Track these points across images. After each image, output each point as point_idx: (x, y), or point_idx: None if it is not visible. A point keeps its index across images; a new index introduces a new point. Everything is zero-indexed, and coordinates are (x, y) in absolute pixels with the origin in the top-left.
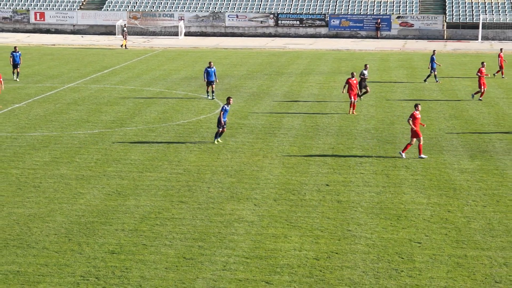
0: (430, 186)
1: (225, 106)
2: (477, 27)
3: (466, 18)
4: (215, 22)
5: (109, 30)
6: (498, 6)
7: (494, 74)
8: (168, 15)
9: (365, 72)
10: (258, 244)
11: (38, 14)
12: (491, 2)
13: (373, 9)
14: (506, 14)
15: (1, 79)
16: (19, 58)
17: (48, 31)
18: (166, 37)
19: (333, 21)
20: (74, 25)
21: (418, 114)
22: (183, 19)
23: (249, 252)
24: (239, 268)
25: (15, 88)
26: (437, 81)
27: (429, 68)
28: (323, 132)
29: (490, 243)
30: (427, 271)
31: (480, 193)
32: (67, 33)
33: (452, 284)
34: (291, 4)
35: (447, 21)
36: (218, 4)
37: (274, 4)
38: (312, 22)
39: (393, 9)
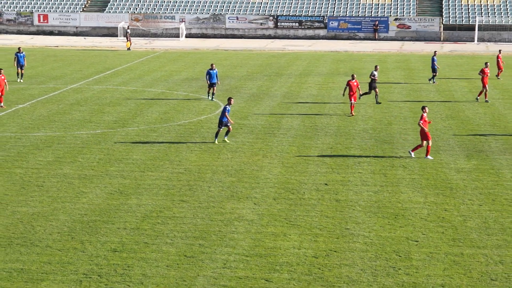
0: (427, 185)
1: (227, 106)
2: (473, 29)
3: (462, 20)
4: (215, 24)
5: (111, 32)
6: (494, 9)
7: (497, 77)
8: (170, 17)
9: (375, 73)
10: (258, 243)
11: (41, 16)
12: (487, 5)
13: (371, 11)
14: (501, 16)
15: (5, 80)
16: (24, 59)
17: (51, 33)
18: (167, 38)
19: (332, 23)
20: (77, 27)
21: (426, 117)
22: (184, 21)
23: (249, 250)
24: (239, 266)
25: (19, 89)
26: (434, 82)
27: (436, 68)
28: (322, 132)
29: (486, 242)
30: (424, 269)
31: (476, 192)
32: (70, 35)
33: (448, 281)
34: (290, 6)
35: (443, 23)
36: (218, 6)
37: (273, 6)
38: (311, 24)
39: (390, 11)
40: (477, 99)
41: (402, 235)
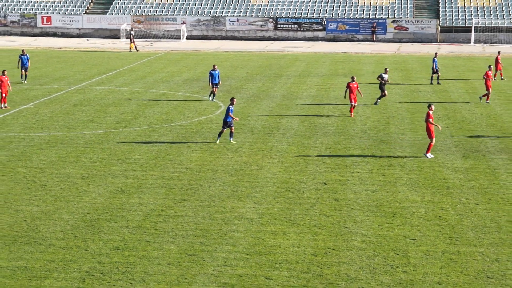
0: (424, 185)
1: (230, 106)
2: (470, 31)
3: (459, 22)
4: (216, 26)
5: (113, 34)
6: (490, 11)
7: (502, 78)
8: (171, 19)
9: (385, 75)
10: (258, 241)
11: (45, 18)
12: (483, 7)
13: (369, 13)
14: (497, 18)
15: (8, 82)
16: (27, 61)
17: (54, 35)
18: (168, 40)
19: (330, 25)
20: (80, 29)
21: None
22: (185, 23)
23: (249, 248)
24: (239, 263)
25: (23, 89)
26: (431, 83)
27: (436, 69)
28: (321, 133)
29: (482, 240)
30: (422, 267)
31: (473, 191)
32: (73, 36)
33: (445, 279)
34: (290, 9)
35: (440, 24)
36: (219, 8)
37: (273, 9)
38: (310, 26)
39: (388, 13)
40: (480, 98)
41: (400, 233)
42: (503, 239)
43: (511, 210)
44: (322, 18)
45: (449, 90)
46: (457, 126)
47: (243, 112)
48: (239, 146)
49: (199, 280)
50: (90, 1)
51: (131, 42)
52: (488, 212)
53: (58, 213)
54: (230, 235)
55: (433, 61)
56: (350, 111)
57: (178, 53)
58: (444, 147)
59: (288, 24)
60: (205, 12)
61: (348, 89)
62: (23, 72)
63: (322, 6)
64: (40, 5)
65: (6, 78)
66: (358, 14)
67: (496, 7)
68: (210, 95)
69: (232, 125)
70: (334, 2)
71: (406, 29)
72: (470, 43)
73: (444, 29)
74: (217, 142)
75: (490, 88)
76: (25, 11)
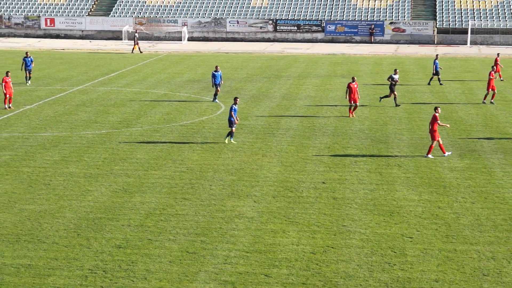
0: (421, 184)
1: (233, 106)
2: (466, 33)
3: (455, 24)
4: (216, 28)
5: (116, 35)
6: (486, 13)
7: (501, 80)
8: (172, 21)
9: (395, 76)
10: (258, 239)
11: (48, 20)
12: (480, 9)
13: (367, 15)
14: (493, 20)
15: (10, 84)
16: (31, 63)
17: (58, 36)
18: (170, 42)
19: (329, 27)
20: (82, 31)
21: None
22: (187, 25)
23: (249, 246)
24: (239, 261)
25: (27, 90)
26: (429, 84)
27: (434, 71)
28: (320, 132)
29: (478, 238)
30: (418, 265)
31: (469, 190)
32: (76, 38)
33: (442, 277)
34: (289, 11)
35: (437, 26)
36: (220, 10)
37: (273, 11)
38: (309, 27)
39: (386, 15)
40: (491, 102)
41: (397, 231)
42: (499, 237)
43: (507, 209)
44: (321, 20)
45: (446, 91)
46: (454, 126)
47: (243, 112)
48: (239, 146)
49: (199, 277)
50: (93, 3)
51: (135, 44)
52: (484, 211)
53: (61, 212)
54: (231, 234)
55: (434, 62)
56: (349, 111)
57: (179, 55)
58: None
59: (288, 26)
60: (206, 14)
61: (348, 89)
62: (27, 74)
63: (321, 8)
64: (44, 7)
65: (10, 79)
66: (356, 16)
67: (492, 9)
68: (215, 96)
69: (233, 126)
70: (332, 4)
71: (404, 30)
72: (466, 44)
73: (441, 31)
74: (226, 142)
75: (492, 88)
76: (29, 13)
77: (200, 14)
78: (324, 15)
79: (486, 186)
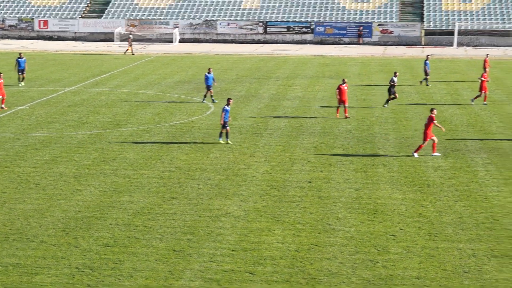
0: (406, 183)
1: (226, 107)
2: (453, 34)
3: (442, 26)
4: (207, 30)
5: (108, 37)
6: (473, 15)
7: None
8: (164, 23)
9: (395, 79)
10: (244, 237)
11: (41, 22)
12: (466, 11)
13: (356, 17)
14: (480, 22)
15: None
16: (24, 64)
17: (51, 38)
18: (161, 43)
19: (318, 29)
20: (75, 32)
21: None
22: (178, 27)
23: (234, 244)
24: (225, 259)
25: (19, 91)
26: (426, 84)
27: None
28: (307, 132)
29: (460, 236)
30: (401, 262)
31: (452, 189)
32: (69, 40)
33: (424, 274)
34: (279, 13)
35: (424, 28)
36: (211, 12)
37: (263, 13)
38: (298, 29)
39: (374, 17)
40: (484, 104)
41: (381, 230)
42: (480, 235)
43: (489, 207)
44: (310, 22)
45: (432, 92)
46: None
47: (232, 113)
48: (227, 145)
49: (185, 275)
50: (86, 5)
51: (129, 46)
52: (466, 209)
53: (50, 211)
54: (217, 232)
55: (425, 63)
56: (337, 112)
57: (170, 56)
58: (425, 146)
59: (278, 28)
60: (197, 16)
61: (338, 91)
62: (20, 75)
63: (311, 10)
64: (37, 10)
65: (1, 81)
66: (345, 18)
67: (479, 11)
68: (211, 97)
69: (227, 126)
70: (322, 6)
71: (391, 32)
72: (453, 46)
73: (428, 33)
74: (228, 142)
75: (484, 90)
76: (23, 15)
77: (192, 16)
78: (314, 17)
79: (469, 185)
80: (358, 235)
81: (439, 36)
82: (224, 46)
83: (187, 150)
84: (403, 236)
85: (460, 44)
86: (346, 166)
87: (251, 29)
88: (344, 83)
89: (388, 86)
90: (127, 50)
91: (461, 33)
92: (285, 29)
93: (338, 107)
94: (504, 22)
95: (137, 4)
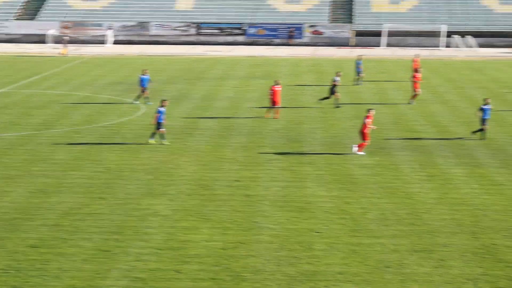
0: (332, 181)
1: (160, 108)
2: (381, 35)
3: (371, 27)
4: (141, 31)
5: (41, 39)
6: (400, 16)
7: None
8: (98, 25)
9: (337, 78)
10: (171, 236)
11: None
12: (394, 12)
13: (287, 19)
14: (407, 23)
15: None
16: None
17: None
18: (95, 45)
19: (250, 30)
20: (8, 34)
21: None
22: (112, 29)
23: (161, 243)
24: (151, 258)
25: None
26: (360, 84)
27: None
28: (236, 132)
29: (383, 232)
30: (325, 258)
31: (377, 186)
32: (2, 41)
33: (346, 269)
34: (212, 14)
35: (354, 29)
36: (144, 14)
37: (196, 14)
38: (230, 31)
39: (305, 19)
40: (410, 102)
41: (306, 227)
42: (403, 230)
43: (411, 204)
44: (242, 23)
45: (360, 91)
46: None
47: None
48: (157, 146)
49: (111, 275)
50: (20, 7)
51: (64, 47)
52: (389, 206)
53: None
54: (144, 231)
55: (357, 63)
56: (272, 113)
57: (103, 57)
58: (351, 145)
59: (210, 29)
60: (131, 18)
61: (271, 92)
62: None
63: (243, 12)
64: None
65: None
66: (278, 19)
67: (406, 13)
68: (144, 99)
69: (162, 127)
70: (254, 8)
71: (322, 33)
72: (381, 46)
73: (358, 34)
74: (154, 142)
75: (417, 90)
76: None
77: (125, 18)
78: (246, 19)
79: (393, 182)
80: (284, 232)
81: (368, 37)
82: (157, 47)
83: (118, 151)
84: (328, 232)
85: (389, 44)
86: (274, 165)
87: (184, 30)
88: (277, 84)
89: (330, 86)
90: (61, 50)
91: (390, 34)
92: (218, 31)
93: (269, 108)
94: (431, 23)
95: (71, 6)
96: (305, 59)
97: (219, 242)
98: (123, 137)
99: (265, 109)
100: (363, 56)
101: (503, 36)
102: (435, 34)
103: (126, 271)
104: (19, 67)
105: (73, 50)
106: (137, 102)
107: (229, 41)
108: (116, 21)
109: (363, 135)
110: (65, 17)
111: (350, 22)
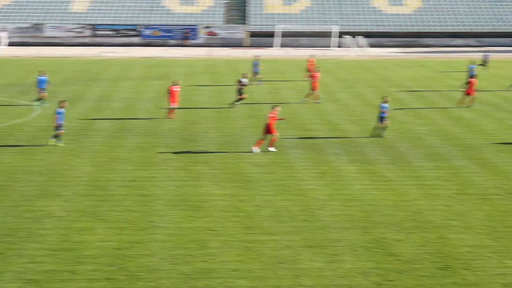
0: (226, 179)
1: (59, 109)
2: (274, 36)
3: (265, 28)
4: (36, 33)
5: None
6: (293, 17)
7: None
8: None
9: (244, 80)
10: (65, 237)
11: None
12: (287, 13)
13: (182, 20)
14: (300, 24)
15: None
16: None
17: None
18: None
19: (145, 31)
20: None
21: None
22: (6, 31)
23: (56, 245)
24: (46, 260)
25: None
26: (260, 84)
27: (256, 71)
28: (131, 133)
29: (277, 228)
30: (219, 256)
31: (271, 183)
32: None
33: (241, 266)
34: (107, 16)
35: (248, 30)
36: (39, 16)
37: (91, 16)
38: (126, 32)
39: (200, 20)
40: (305, 99)
41: (201, 225)
42: (296, 227)
43: (305, 200)
44: (137, 25)
45: (253, 91)
46: (259, 124)
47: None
48: (52, 147)
49: (4, 277)
50: None
51: None
52: (283, 203)
53: None
54: (38, 233)
55: (255, 63)
56: (169, 113)
57: None
58: (247, 143)
59: (105, 31)
60: (26, 19)
61: (169, 92)
62: None
63: (138, 13)
64: None
65: None
66: (173, 20)
67: (298, 14)
68: (38, 100)
69: (61, 128)
70: (149, 10)
71: (216, 34)
72: (274, 47)
73: (252, 34)
74: (50, 143)
75: (314, 89)
76: None
77: (20, 19)
78: (141, 21)
79: (286, 180)
80: (179, 231)
81: (262, 37)
82: (52, 49)
83: (12, 153)
84: (222, 230)
85: (282, 45)
86: (169, 165)
87: (79, 32)
88: (175, 85)
89: (237, 87)
90: None
91: (283, 34)
92: (113, 32)
93: (170, 109)
94: (323, 24)
95: None
96: (200, 59)
97: (114, 242)
98: (17, 139)
99: (162, 110)
100: (260, 57)
101: (392, 36)
102: (327, 35)
103: (20, 273)
104: None
105: None
106: (38, 103)
107: (125, 42)
108: (10, 23)
109: (269, 130)
110: None
111: (244, 23)
